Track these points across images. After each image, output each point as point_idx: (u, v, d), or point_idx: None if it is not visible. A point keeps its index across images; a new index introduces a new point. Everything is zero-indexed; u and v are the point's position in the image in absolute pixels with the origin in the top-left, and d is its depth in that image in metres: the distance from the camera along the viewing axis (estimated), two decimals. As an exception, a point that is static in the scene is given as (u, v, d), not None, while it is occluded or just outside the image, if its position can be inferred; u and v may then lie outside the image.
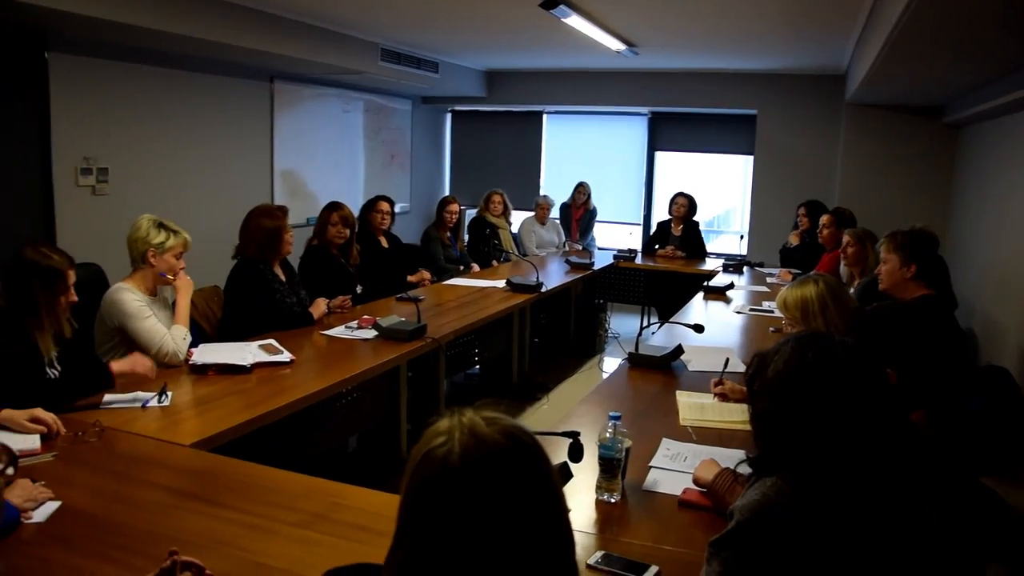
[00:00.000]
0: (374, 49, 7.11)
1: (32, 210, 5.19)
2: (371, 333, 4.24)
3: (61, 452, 2.58)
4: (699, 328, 4.13)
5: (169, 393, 3.12)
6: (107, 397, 3.10)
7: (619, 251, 8.04)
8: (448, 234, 7.15)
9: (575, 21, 5.49)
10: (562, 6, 5.05)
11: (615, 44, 6.62)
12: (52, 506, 2.18)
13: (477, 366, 5.80)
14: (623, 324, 8.38)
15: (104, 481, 2.43)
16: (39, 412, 2.70)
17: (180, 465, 2.58)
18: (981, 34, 3.67)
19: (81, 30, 4.96)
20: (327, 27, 6.39)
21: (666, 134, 9.61)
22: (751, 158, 8.90)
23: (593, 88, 9.17)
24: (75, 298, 3.11)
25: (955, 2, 3.01)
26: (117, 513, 2.19)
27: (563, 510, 1.19)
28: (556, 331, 7.38)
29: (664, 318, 6.87)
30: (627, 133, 9.75)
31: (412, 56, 7.69)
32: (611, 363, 7.28)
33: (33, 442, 2.60)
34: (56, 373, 3.06)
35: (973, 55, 4.27)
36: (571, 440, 2.29)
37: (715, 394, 3.34)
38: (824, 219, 6.29)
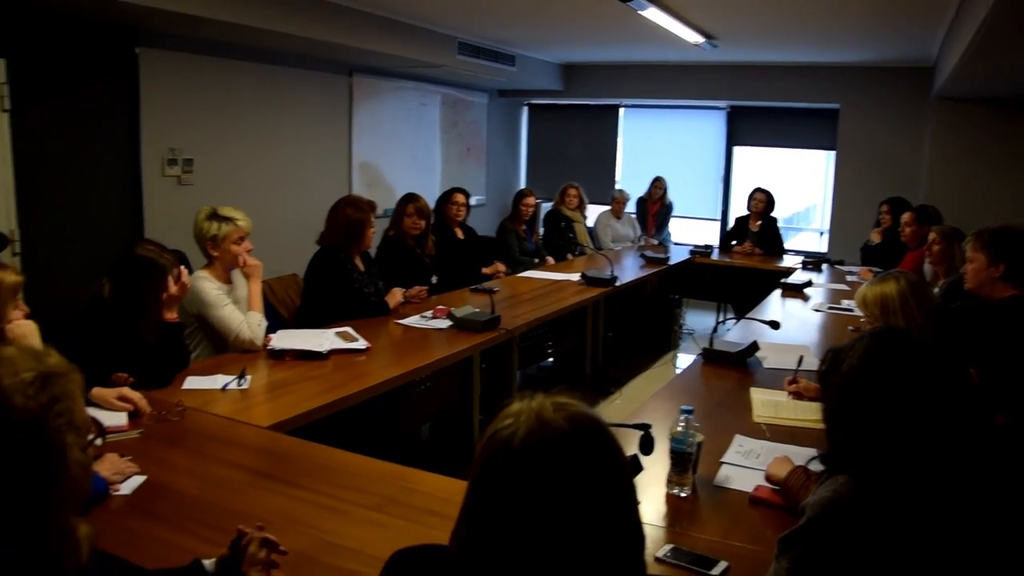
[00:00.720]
0: (452, 43, 7.17)
1: (121, 198, 5.38)
2: (445, 323, 4.29)
3: (146, 430, 2.68)
4: (775, 324, 4.07)
5: (248, 376, 3.21)
6: (189, 379, 3.21)
7: (695, 246, 7.95)
8: (524, 227, 7.17)
9: (652, 13, 5.45)
10: (640, -2, 5.02)
11: (693, 37, 6.55)
12: (138, 480, 2.26)
13: (550, 358, 5.81)
14: (698, 320, 8.30)
15: (186, 458, 2.52)
16: (127, 391, 2.80)
17: (257, 446, 2.65)
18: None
19: (170, 26, 5.13)
20: (405, 21, 6.46)
21: (745, 128, 9.46)
22: (832, 153, 8.70)
23: (670, 81, 9.08)
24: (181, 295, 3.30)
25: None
26: (198, 489, 2.27)
27: (631, 500, 1.19)
28: (630, 326, 7.34)
29: (739, 315, 6.78)
30: (705, 127, 9.63)
31: (489, 50, 7.72)
32: (685, 359, 7.22)
33: (120, 419, 2.70)
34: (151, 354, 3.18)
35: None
36: (642, 432, 2.28)
37: (789, 392, 3.30)
38: (906, 216, 6.11)
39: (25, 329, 2.55)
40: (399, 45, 6.48)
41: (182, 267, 3.32)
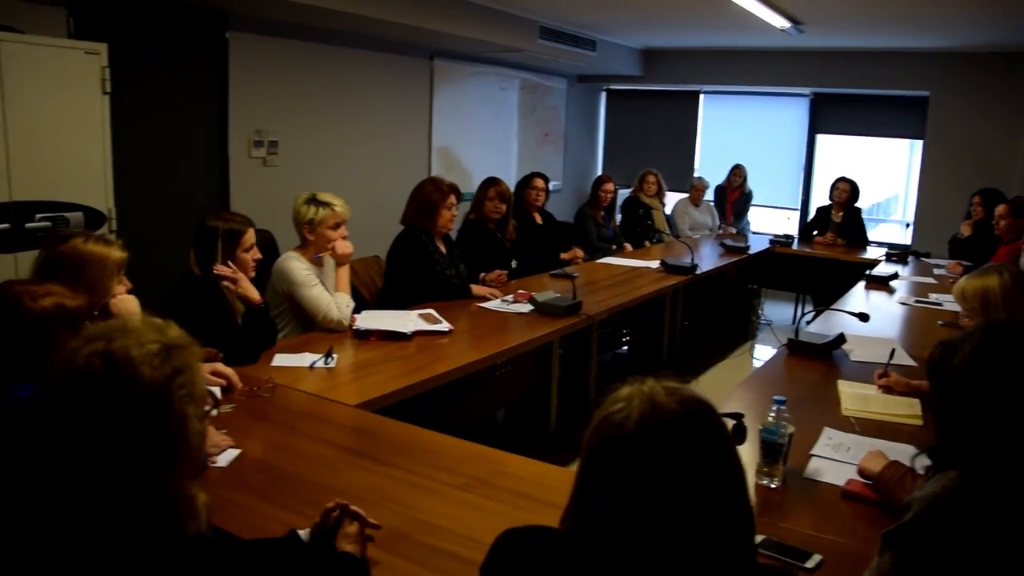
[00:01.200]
0: (533, 27, 7.15)
1: (209, 179, 5.53)
2: (526, 307, 4.29)
3: (238, 405, 2.75)
4: (864, 317, 3.98)
5: (335, 356, 3.27)
6: (277, 356, 3.28)
7: (775, 236, 7.81)
8: (602, 213, 7.13)
9: (741, -3, 5.37)
10: (728, -19, 4.94)
11: (779, 21, 6.42)
12: (233, 453, 2.32)
13: (625, 346, 5.77)
14: (775, 311, 8.15)
15: (277, 433, 2.58)
16: (220, 366, 2.87)
17: (346, 424, 2.69)
18: None
19: (259, 10, 5.24)
20: (487, 5, 6.47)
21: (829, 116, 9.24)
22: (918, 142, 8.45)
23: (753, 67, 8.92)
24: (259, 255, 3.39)
25: None
26: (290, 464, 2.31)
27: (741, 484, 1.19)
28: (707, 315, 7.26)
29: (819, 307, 6.65)
30: (787, 115, 9.44)
31: (570, 34, 7.68)
32: (763, 350, 7.11)
33: (215, 394, 2.77)
34: (240, 330, 3.27)
35: None
36: (734, 422, 2.26)
37: (879, 385, 3.22)
38: (1000, 209, 5.89)
39: (128, 304, 2.64)
40: (481, 29, 6.49)
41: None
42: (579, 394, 4.86)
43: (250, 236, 3.36)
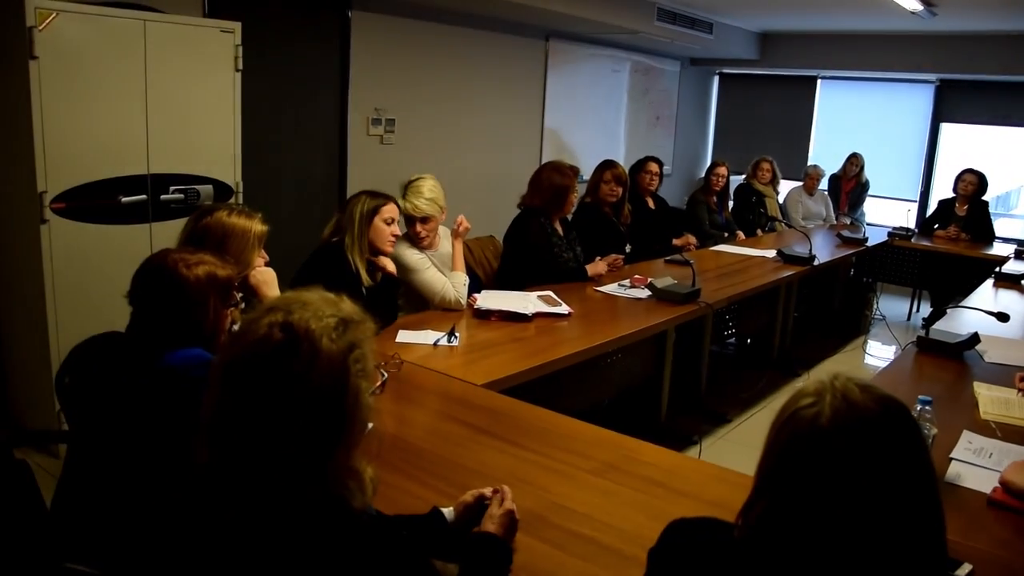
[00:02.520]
0: (651, 8, 7.04)
1: (328, 155, 5.65)
2: (644, 293, 4.25)
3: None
4: (1003, 317, 3.80)
5: (458, 334, 3.30)
6: (401, 332, 3.33)
7: (895, 228, 7.53)
8: (714, 199, 7.01)
9: (875, -22, 5.16)
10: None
11: (912, 3, 6.16)
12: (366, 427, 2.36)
13: (732, 337, 5.67)
14: (889, 307, 7.88)
15: (408, 409, 2.62)
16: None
17: (475, 403, 2.70)
18: None
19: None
20: (606, -14, 6.41)
21: (955, 104, 8.83)
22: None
23: (876, 52, 8.58)
24: (398, 232, 3.54)
25: None
26: (424, 441, 2.35)
27: (934, 485, 1.17)
28: (819, 308, 7.07)
29: (937, 304, 6.41)
30: (909, 102, 9.07)
31: (688, 16, 7.54)
32: (876, 346, 6.90)
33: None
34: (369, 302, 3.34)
35: None
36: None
37: (1020, 390, 3.09)
38: None
39: (267, 276, 2.71)
40: (599, 10, 6.42)
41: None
42: (689, 383, 4.80)
43: (390, 208, 3.46)
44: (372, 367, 1.33)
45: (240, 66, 4.30)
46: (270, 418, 1.21)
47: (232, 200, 4.42)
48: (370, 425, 2.31)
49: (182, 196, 4.15)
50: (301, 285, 3.16)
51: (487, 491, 1.81)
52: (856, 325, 7.22)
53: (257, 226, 2.64)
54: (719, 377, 5.46)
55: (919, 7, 6.32)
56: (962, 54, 8.11)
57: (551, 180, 4.51)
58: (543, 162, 6.07)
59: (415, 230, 3.84)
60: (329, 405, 1.24)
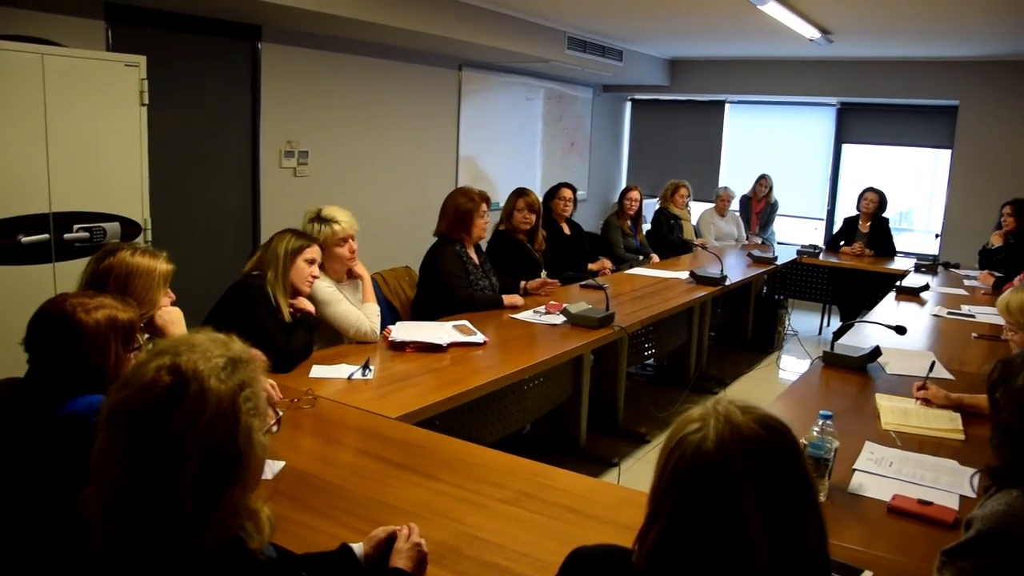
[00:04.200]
0: (561, 37, 7.17)
1: (241, 189, 5.57)
2: (559, 318, 4.29)
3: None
4: (901, 330, 3.96)
5: (372, 367, 3.28)
6: (315, 367, 3.29)
7: (803, 246, 7.77)
8: (628, 223, 7.13)
9: (772, 8, 5.35)
10: (761, -8, 4.94)
11: (810, 31, 6.40)
12: (278, 465, 2.33)
13: (651, 358, 5.76)
14: (801, 322, 8.12)
15: (320, 446, 2.59)
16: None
17: (388, 436, 2.68)
18: None
19: (291, 22, 5.29)
20: (516, 15, 6.49)
21: (855, 126, 9.20)
22: (946, 152, 8.40)
23: (780, 77, 8.90)
24: (317, 273, 3.54)
25: None
26: (336, 477, 2.32)
27: (817, 499, 1.21)
28: (733, 326, 7.24)
29: (846, 318, 6.62)
30: (813, 124, 9.41)
31: (598, 44, 7.70)
32: (789, 361, 7.09)
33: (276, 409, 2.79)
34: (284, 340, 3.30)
35: None
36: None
37: (918, 398, 3.21)
38: (1033, 220, 5.87)
39: (173, 315, 2.66)
40: (510, 39, 6.51)
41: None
42: (607, 406, 4.86)
43: (313, 251, 3.47)
44: (264, 405, 1.32)
45: (146, 100, 4.23)
46: (160, 462, 1.20)
47: (140, 237, 4.33)
48: (282, 464, 2.31)
49: (87, 234, 4.05)
50: (218, 318, 3.14)
51: (398, 527, 1.81)
52: (770, 341, 7.41)
53: (162, 265, 2.60)
54: (638, 398, 5.54)
55: (817, 35, 6.57)
56: (859, 79, 8.47)
57: (456, 203, 4.54)
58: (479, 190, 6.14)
59: (345, 252, 3.82)
60: (221, 446, 1.23)
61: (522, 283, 4.85)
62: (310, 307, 3.50)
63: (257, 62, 5.52)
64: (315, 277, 3.51)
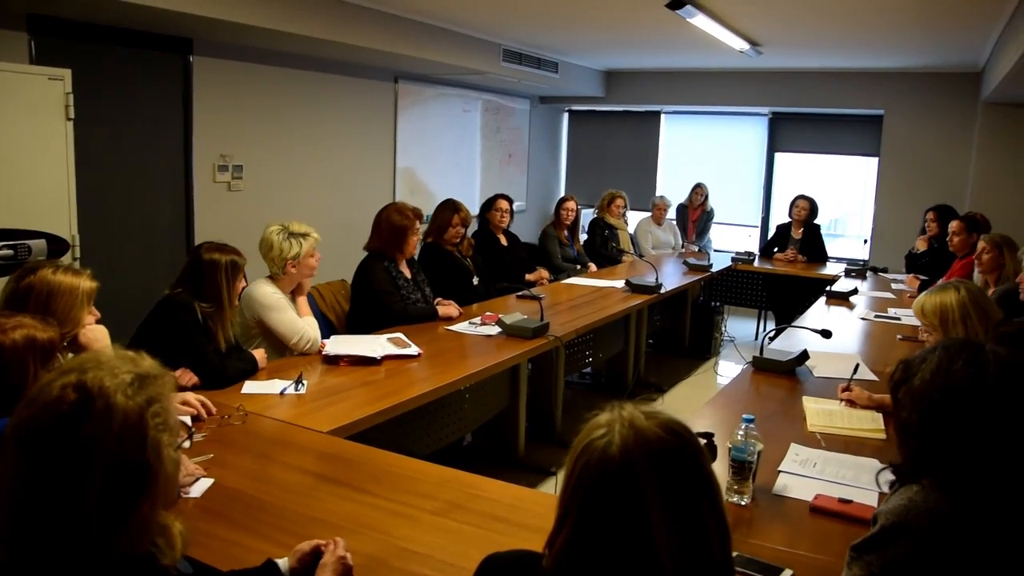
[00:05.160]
0: (496, 49, 7.23)
1: (174, 204, 5.50)
2: (494, 330, 4.32)
3: (210, 433, 2.73)
4: (827, 334, 4.06)
5: (305, 381, 3.27)
6: (247, 383, 3.27)
7: (737, 253, 7.93)
8: (565, 233, 7.19)
9: (700, 21, 5.46)
10: (688, 6, 5.03)
11: (739, 43, 6.54)
12: (206, 483, 2.31)
13: (589, 367, 5.81)
14: (738, 328, 8.26)
15: (251, 462, 2.57)
16: (189, 396, 2.86)
17: (320, 450, 2.69)
18: None
19: (223, 35, 5.24)
20: (451, 28, 6.53)
21: (787, 135, 9.42)
22: (875, 160, 8.64)
23: (713, 88, 9.06)
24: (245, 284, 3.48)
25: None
26: (266, 493, 2.31)
27: (720, 501, 1.24)
28: (671, 333, 7.34)
29: (782, 322, 6.75)
30: (746, 134, 9.60)
31: (533, 56, 7.77)
32: (726, 367, 7.19)
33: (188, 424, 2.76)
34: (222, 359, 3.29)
35: None
36: (705, 441, 2.30)
37: (842, 399, 3.30)
38: (954, 225, 6.06)
39: (97, 333, 2.63)
40: (445, 52, 6.54)
41: None
42: (546, 415, 4.90)
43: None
44: (174, 421, 1.32)
45: (72, 115, 4.16)
46: (67, 481, 1.19)
47: (68, 254, 4.25)
48: (211, 481, 2.29)
49: (11, 252, 3.96)
50: (147, 335, 3.10)
51: (323, 541, 1.81)
52: (707, 347, 7.52)
53: (86, 283, 2.57)
54: (577, 406, 5.57)
55: (746, 46, 6.71)
56: (789, 89, 8.68)
57: (390, 220, 4.55)
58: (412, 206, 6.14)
59: (314, 262, 3.88)
60: (128, 462, 1.23)
61: (527, 276, 4.84)
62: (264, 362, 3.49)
63: (189, 75, 5.46)
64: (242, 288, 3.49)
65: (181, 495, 2.21)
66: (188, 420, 2.77)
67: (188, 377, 3.10)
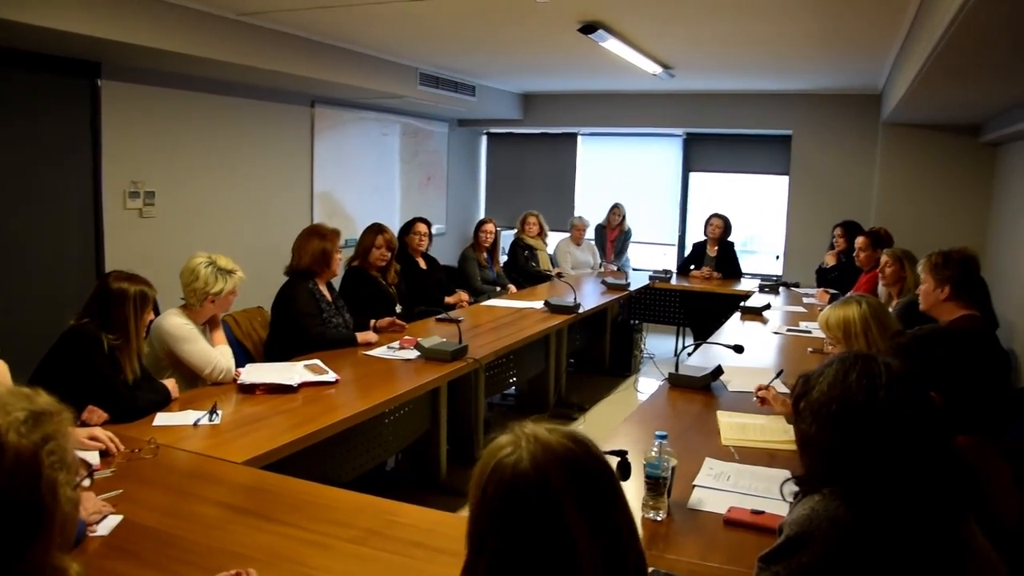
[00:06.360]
0: (413, 73, 7.24)
1: (83, 232, 5.34)
2: (413, 354, 4.31)
3: (119, 468, 2.66)
4: (739, 349, 4.16)
5: (219, 412, 3.21)
6: (159, 415, 3.19)
7: (654, 272, 8.06)
8: (484, 255, 7.22)
9: (613, 45, 5.56)
10: (600, 30, 5.12)
11: (651, 67, 6.68)
12: (115, 520, 2.25)
13: (513, 387, 5.84)
14: (658, 344, 8.40)
15: (162, 496, 2.50)
16: (97, 431, 2.78)
17: (234, 482, 2.64)
18: (1016, 56, 3.69)
19: (133, 59, 5.12)
20: (367, 52, 6.52)
21: (701, 155, 9.63)
22: (786, 178, 8.90)
23: (628, 110, 9.22)
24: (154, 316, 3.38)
25: (996, 24, 3.04)
26: (177, 528, 2.26)
27: (630, 513, 1.27)
28: (591, 352, 7.41)
29: (699, 339, 6.87)
30: (662, 154, 9.79)
31: (450, 80, 7.80)
32: (646, 383, 7.29)
33: (93, 458, 2.67)
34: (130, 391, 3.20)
35: (1010, 76, 4.28)
36: (619, 459, 2.32)
37: (757, 396, 3.38)
38: (860, 241, 6.27)
39: None
40: (362, 76, 6.53)
41: None
42: (468, 437, 4.89)
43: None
44: (73, 458, 1.28)
45: (-26, 140, 4.03)
46: None
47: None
48: (120, 518, 2.22)
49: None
50: (51, 369, 2.99)
51: (234, 571, 1.78)
52: (627, 365, 7.62)
53: None
54: (500, 427, 5.56)
55: (659, 70, 6.85)
56: (702, 110, 8.89)
57: (311, 244, 4.52)
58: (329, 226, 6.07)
59: (228, 300, 3.80)
60: (21, 502, 1.19)
61: (372, 321, 4.83)
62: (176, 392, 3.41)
63: (97, 100, 5.31)
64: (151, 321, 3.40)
65: (88, 534, 2.15)
66: (96, 456, 2.69)
67: (97, 416, 3.01)
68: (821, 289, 6.93)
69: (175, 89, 5.86)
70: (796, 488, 1.74)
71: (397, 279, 5.51)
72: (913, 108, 6.12)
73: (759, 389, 3.42)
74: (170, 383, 3.39)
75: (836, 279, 6.95)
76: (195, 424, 3.11)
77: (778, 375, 3.57)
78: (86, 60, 5.17)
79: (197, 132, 6.13)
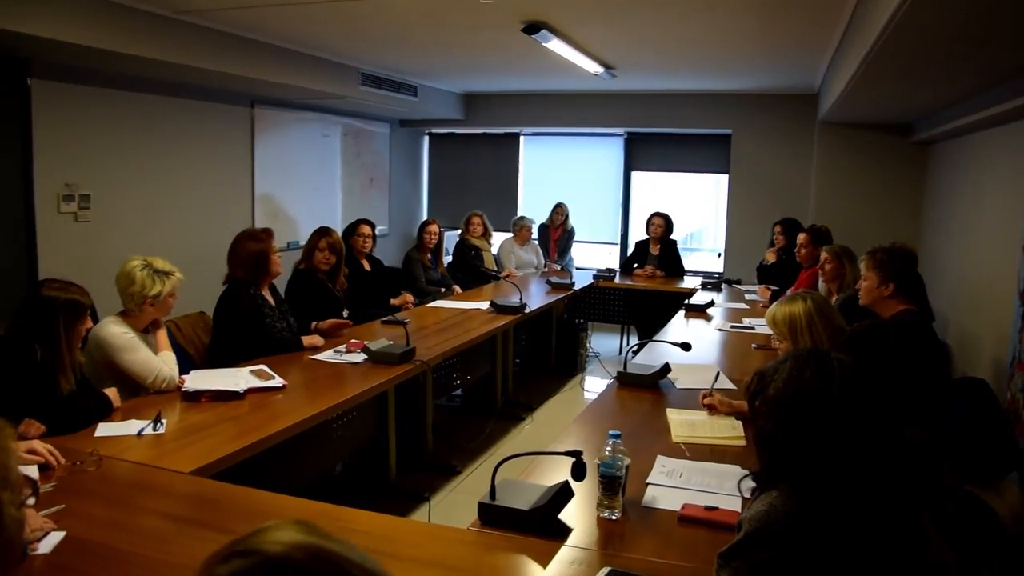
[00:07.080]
0: (354, 73, 7.17)
1: (14, 237, 5.16)
2: (360, 357, 4.26)
3: (60, 482, 2.56)
4: (686, 346, 4.20)
5: (164, 421, 3.13)
6: (101, 426, 3.10)
7: (598, 271, 8.11)
8: (429, 256, 7.19)
9: (555, 45, 5.57)
10: (544, 31, 5.13)
11: (593, 67, 6.71)
12: (57, 536, 2.16)
13: (458, 389, 5.82)
14: (603, 343, 8.45)
15: (106, 510, 2.43)
16: (36, 444, 2.69)
17: (181, 492, 2.58)
18: (948, 59, 3.79)
19: (65, 57, 4.98)
20: (308, 52, 6.44)
21: (642, 154, 9.72)
22: (726, 177, 9.02)
23: (570, 110, 9.27)
24: (91, 325, 3.27)
25: (931, 26, 3.11)
26: (123, 542, 2.19)
27: None
28: (537, 352, 7.43)
29: (644, 336, 6.94)
30: (604, 154, 9.85)
31: (392, 80, 7.75)
32: (593, 382, 7.34)
33: (32, 473, 2.58)
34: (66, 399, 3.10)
35: (941, 78, 4.40)
36: (574, 459, 2.33)
37: (704, 405, 3.43)
38: (801, 238, 6.38)
39: None
40: (302, 76, 6.44)
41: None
42: (417, 440, 4.86)
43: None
44: (17, 476, 1.23)
45: None
46: None
47: None
48: (62, 534, 2.15)
49: None
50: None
51: None
52: (573, 364, 7.66)
53: None
54: (448, 429, 5.57)
55: (600, 70, 6.89)
56: (643, 110, 8.97)
57: (248, 249, 4.43)
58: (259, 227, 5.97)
59: (172, 302, 3.71)
60: None
61: (312, 323, 4.77)
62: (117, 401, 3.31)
63: (26, 99, 5.14)
64: (89, 329, 3.30)
65: (28, 552, 2.07)
66: (35, 471, 2.60)
67: (35, 428, 2.91)
68: (763, 286, 7.04)
69: (110, 88, 5.71)
70: (753, 484, 1.77)
71: (346, 284, 5.44)
72: (848, 108, 6.25)
73: (704, 397, 3.46)
74: (111, 392, 3.29)
75: (777, 275, 7.06)
76: (139, 434, 3.03)
77: (716, 378, 3.61)
78: (14, 57, 4.99)
79: (134, 133, 5.98)
